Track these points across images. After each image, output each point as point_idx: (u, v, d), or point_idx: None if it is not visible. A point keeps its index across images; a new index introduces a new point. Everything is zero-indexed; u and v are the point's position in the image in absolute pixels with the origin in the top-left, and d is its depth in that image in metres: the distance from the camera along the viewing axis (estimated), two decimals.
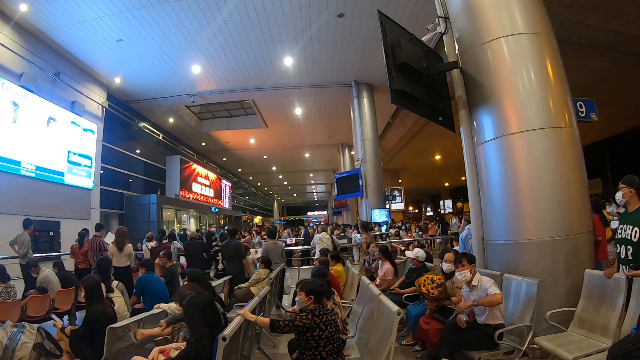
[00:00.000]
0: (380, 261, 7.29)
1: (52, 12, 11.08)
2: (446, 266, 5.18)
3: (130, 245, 8.58)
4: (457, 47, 6.12)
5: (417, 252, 6.33)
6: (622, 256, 3.96)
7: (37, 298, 6.55)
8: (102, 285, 4.84)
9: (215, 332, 3.04)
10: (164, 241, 10.02)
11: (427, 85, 5.90)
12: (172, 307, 4.87)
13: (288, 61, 14.93)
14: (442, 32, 6.41)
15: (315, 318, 3.51)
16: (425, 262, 6.40)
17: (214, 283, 6.92)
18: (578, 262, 4.68)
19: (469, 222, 7.97)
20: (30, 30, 11.98)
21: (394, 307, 3.43)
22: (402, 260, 8.19)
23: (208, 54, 14.22)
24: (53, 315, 6.01)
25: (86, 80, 15.25)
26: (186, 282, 4.94)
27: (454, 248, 8.29)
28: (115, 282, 5.92)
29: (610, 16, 10.52)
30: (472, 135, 5.85)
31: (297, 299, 3.74)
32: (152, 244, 10.18)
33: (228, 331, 2.94)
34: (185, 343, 3.50)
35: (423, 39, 6.38)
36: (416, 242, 13.52)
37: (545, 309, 4.27)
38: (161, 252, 8.02)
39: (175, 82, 16.60)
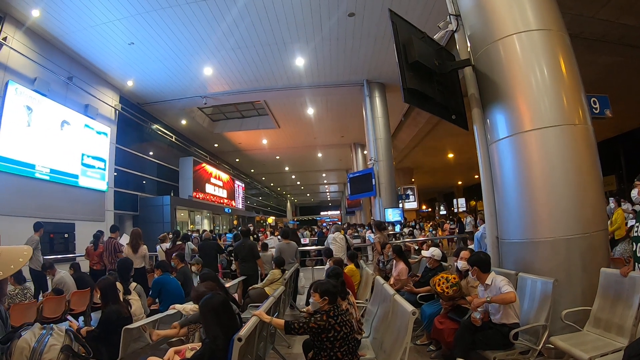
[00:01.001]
0: (394, 261, 7.27)
1: (64, 17, 11.22)
2: (461, 263, 5.16)
3: (145, 246, 8.63)
4: (469, 44, 6.08)
5: (433, 251, 6.32)
6: (638, 254, 3.92)
7: (52, 299, 6.64)
8: (119, 287, 4.87)
9: (229, 332, 3.06)
10: (178, 242, 10.05)
11: (440, 84, 5.85)
12: (187, 308, 4.90)
13: (299, 61, 14.95)
14: (454, 29, 6.35)
15: (330, 319, 3.49)
16: (441, 262, 6.38)
17: (228, 284, 6.95)
18: (594, 261, 4.61)
19: (484, 221, 7.94)
20: (42, 35, 12.14)
21: (409, 307, 3.41)
22: (416, 260, 8.17)
23: (219, 56, 14.30)
24: (69, 317, 6.07)
25: (99, 83, 15.42)
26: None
27: (469, 247, 8.24)
28: (133, 284, 5.95)
29: (622, 10, 10.41)
30: (485, 133, 5.81)
31: (311, 300, 3.73)
32: (166, 245, 10.24)
33: (244, 332, 2.95)
34: (201, 344, 3.52)
35: (434, 37, 6.34)
36: (430, 242, 13.43)
37: (560, 308, 4.22)
38: (174, 254, 8.07)
39: (187, 84, 16.72)
